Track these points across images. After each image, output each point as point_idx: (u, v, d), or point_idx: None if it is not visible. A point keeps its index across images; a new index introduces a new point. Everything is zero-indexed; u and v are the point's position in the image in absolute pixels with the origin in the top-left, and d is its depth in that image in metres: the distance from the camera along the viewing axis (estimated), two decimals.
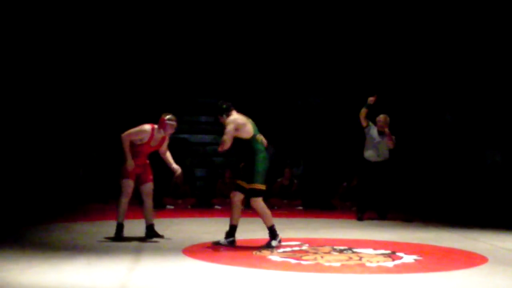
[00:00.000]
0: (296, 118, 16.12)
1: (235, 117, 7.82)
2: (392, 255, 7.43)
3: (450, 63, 15.01)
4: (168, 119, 8.27)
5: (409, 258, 7.26)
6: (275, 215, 10.85)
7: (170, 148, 8.71)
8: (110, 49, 15.58)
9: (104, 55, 15.54)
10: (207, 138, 16.20)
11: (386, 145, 11.18)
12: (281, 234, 9.09)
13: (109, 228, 8.75)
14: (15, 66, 14.09)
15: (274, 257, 7.27)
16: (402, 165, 14.57)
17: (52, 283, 5.85)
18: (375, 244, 8.27)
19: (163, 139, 8.44)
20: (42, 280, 5.97)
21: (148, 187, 8.52)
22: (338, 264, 6.88)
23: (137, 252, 7.57)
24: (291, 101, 16.35)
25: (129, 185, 8.39)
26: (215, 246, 7.94)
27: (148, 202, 8.53)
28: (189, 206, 13.77)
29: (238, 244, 8.06)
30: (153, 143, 8.41)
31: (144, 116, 9.22)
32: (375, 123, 11.26)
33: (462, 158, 14.50)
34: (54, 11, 14.41)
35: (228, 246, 7.83)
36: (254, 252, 7.57)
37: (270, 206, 13.54)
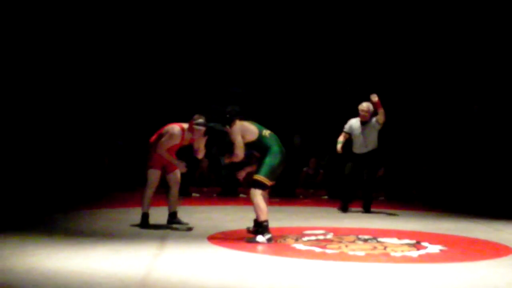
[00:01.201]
0: (324, 107, 16.09)
1: (237, 126, 7.69)
2: (416, 245, 7.42)
3: (477, 54, 14.88)
4: (196, 124, 8.22)
5: (434, 248, 7.24)
6: (300, 204, 10.92)
7: None
8: (141, 38, 15.64)
9: (133, 44, 15.60)
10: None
11: (372, 132, 10.69)
12: (306, 223, 9.15)
13: (135, 215, 8.81)
14: (47, 56, 14.21)
15: (299, 245, 7.29)
16: (429, 155, 14.52)
17: (78, 268, 5.93)
18: (399, 234, 8.25)
19: (192, 140, 8.41)
20: (68, 265, 6.05)
21: (175, 176, 8.55)
22: (362, 253, 6.89)
23: (163, 239, 7.63)
24: (320, 90, 16.32)
25: (155, 175, 8.44)
26: (235, 233, 7.94)
27: (175, 190, 8.56)
28: (214, 195, 13.83)
29: None
30: (183, 143, 8.43)
31: (173, 105, 9.21)
32: (357, 113, 10.81)
33: (489, 149, 14.38)
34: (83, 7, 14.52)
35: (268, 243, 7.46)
36: (278, 240, 7.59)
37: (296, 196, 13.68)
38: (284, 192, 13.44)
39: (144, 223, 8.45)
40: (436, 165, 14.44)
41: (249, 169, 8.05)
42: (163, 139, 8.30)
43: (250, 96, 16.23)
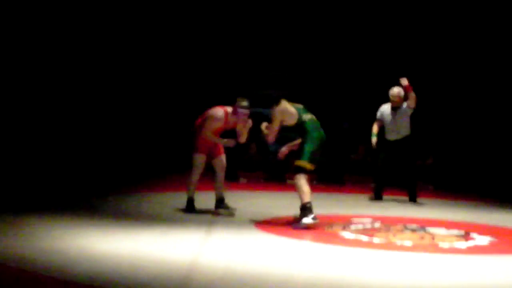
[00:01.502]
0: (371, 95, 15.98)
1: (281, 107, 7.78)
2: (465, 236, 7.34)
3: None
4: (241, 107, 8.27)
5: (483, 240, 7.16)
6: (348, 191, 10.88)
7: None
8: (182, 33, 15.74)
9: (177, 37, 15.69)
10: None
11: (404, 118, 10.48)
12: (353, 211, 9.13)
13: (184, 199, 8.88)
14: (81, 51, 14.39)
15: (346, 233, 7.28)
16: (480, 145, 14.32)
17: (127, 251, 6.02)
18: (448, 224, 8.18)
19: (235, 123, 8.44)
20: (117, 248, 6.15)
21: (221, 160, 8.59)
22: (410, 243, 6.85)
23: (210, 224, 7.69)
24: (368, 78, 16.21)
25: (200, 159, 8.48)
26: (283, 219, 8.01)
27: (221, 175, 8.58)
28: (262, 180, 13.86)
29: None
30: (227, 126, 8.47)
31: (219, 90, 9.22)
32: (388, 99, 10.60)
33: None
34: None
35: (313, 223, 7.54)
36: (325, 228, 7.59)
37: (343, 182, 13.63)
38: (331, 179, 13.40)
39: (190, 208, 8.51)
40: (487, 154, 14.23)
41: (289, 147, 8.08)
42: (207, 122, 8.36)
43: (295, 81, 16.20)
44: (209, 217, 8.23)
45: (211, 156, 8.57)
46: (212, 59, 15.82)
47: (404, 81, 10.36)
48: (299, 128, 7.77)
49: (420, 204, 10.52)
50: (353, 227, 7.71)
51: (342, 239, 6.97)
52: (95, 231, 6.94)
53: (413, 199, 10.64)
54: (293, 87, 15.45)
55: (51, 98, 13.65)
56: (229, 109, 8.37)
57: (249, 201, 9.97)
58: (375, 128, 10.74)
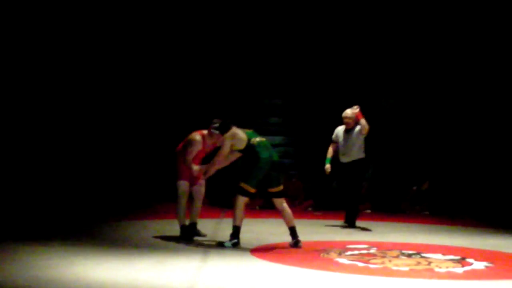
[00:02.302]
0: (367, 119, 16.02)
1: (229, 133, 8.07)
2: (462, 261, 7.33)
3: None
4: (214, 128, 8.40)
5: (479, 265, 7.15)
6: (342, 217, 10.86)
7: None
8: (181, 45, 15.74)
9: (173, 51, 15.70)
10: (276, 139, 16.25)
11: (355, 141, 10.33)
12: (348, 237, 9.12)
13: (175, 227, 8.88)
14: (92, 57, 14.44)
15: (342, 259, 7.27)
16: (475, 170, 14.34)
17: (124, 279, 6.00)
18: (444, 250, 8.17)
19: (214, 144, 8.53)
20: (114, 276, 6.13)
21: (199, 188, 8.67)
22: (406, 268, 6.84)
23: (206, 251, 7.68)
24: (363, 103, 16.26)
25: (184, 186, 8.56)
26: (278, 246, 8.12)
27: (198, 202, 8.69)
28: (257, 207, 13.84)
29: (305, 245, 8.08)
30: (206, 148, 8.61)
31: (211, 117, 9.27)
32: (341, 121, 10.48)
33: None
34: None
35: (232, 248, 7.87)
36: (321, 254, 7.58)
37: (339, 209, 13.60)
38: (327, 206, 13.40)
39: (185, 235, 8.52)
40: (483, 179, 14.26)
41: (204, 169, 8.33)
42: (187, 148, 8.48)
43: (290, 108, 16.27)
44: (204, 244, 8.22)
45: (190, 183, 8.62)
46: (190, 85, 15.84)
47: (355, 110, 10.30)
48: (249, 151, 8.01)
49: (417, 229, 10.51)
50: (349, 253, 7.69)
51: (339, 265, 6.96)
52: (91, 259, 6.92)
53: (350, 223, 10.38)
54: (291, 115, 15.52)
55: (47, 122, 13.72)
56: (205, 131, 8.53)
57: (244, 228, 9.92)
58: (329, 152, 10.56)
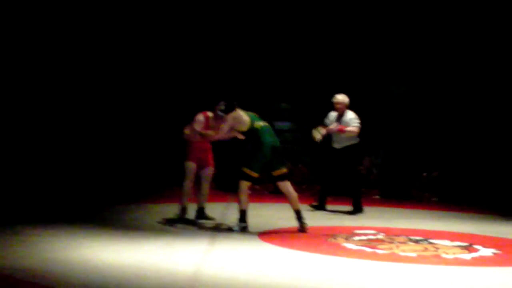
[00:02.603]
0: (378, 107, 15.98)
1: (232, 114, 8.13)
2: (469, 248, 7.32)
3: None
4: (220, 110, 8.38)
5: (486, 251, 7.14)
6: (351, 203, 10.85)
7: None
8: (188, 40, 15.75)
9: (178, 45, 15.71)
10: (286, 125, 16.24)
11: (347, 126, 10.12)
12: (357, 223, 9.12)
13: (190, 210, 8.87)
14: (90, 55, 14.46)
15: (349, 245, 7.27)
16: (482, 157, 14.29)
17: (130, 261, 6.03)
18: (452, 236, 8.16)
19: (218, 128, 8.52)
20: (121, 258, 6.17)
21: (207, 171, 8.75)
22: (413, 254, 6.84)
23: (213, 235, 7.70)
24: (374, 90, 16.21)
25: (190, 166, 8.63)
26: (286, 230, 8.16)
27: (205, 185, 8.75)
28: (266, 192, 13.85)
29: (313, 230, 8.09)
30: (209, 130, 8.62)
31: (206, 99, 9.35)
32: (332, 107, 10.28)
33: None
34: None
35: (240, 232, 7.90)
36: (329, 239, 7.59)
37: (346, 194, 13.60)
38: (335, 191, 13.37)
39: (182, 216, 8.60)
40: (491, 166, 14.21)
41: None
42: (192, 126, 8.57)
43: (299, 94, 16.23)
44: (212, 227, 8.25)
45: (199, 166, 8.69)
46: (195, 69, 15.81)
47: (333, 128, 10.14)
48: (252, 134, 8.08)
49: (424, 215, 10.51)
50: (356, 238, 7.70)
51: (346, 250, 6.97)
52: (99, 241, 6.95)
53: (357, 209, 10.29)
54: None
55: (53, 108, 13.75)
56: (210, 113, 8.55)
57: (253, 212, 9.94)
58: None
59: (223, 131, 8.22)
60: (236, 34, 15.96)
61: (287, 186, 8.16)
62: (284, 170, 8.18)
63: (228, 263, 6.19)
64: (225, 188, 12.80)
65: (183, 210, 8.61)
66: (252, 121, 8.11)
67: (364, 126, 12.29)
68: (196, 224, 8.48)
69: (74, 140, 13.95)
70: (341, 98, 10.29)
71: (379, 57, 16.10)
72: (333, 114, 10.38)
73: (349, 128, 10.12)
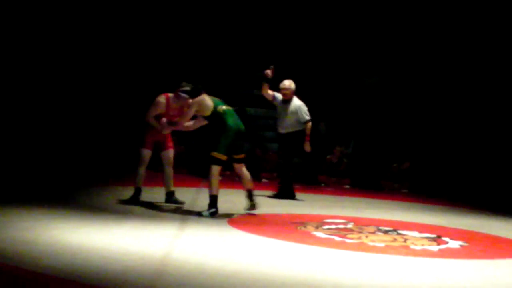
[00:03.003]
0: (349, 97, 16.03)
1: (197, 99, 8.17)
2: (437, 239, 7.39)
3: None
4: (183, 91, 8.40)
5: (454, 244, 7.21)
6: (322, 192, 10.92)
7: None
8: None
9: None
10: (260, 111, 16.21)
11: (291, 115, 10.11)
12: (326, 212, 9.15)
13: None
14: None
15: (319, 233, 7.29)
16: (454, 150, 14.42)
17: (100, 244, 5.99)
18: (420, 227, 8.23)
19: (181, 108, 8.50)
20: (90, 240, 6.12)
21: (168, 154, 8.76)
22: (382, 244, 6.88)
23: (183, 219, 7.68)
24: (346, 80, 16.25)
25: (145, 153, 8.65)
26: (256, 217, 8.20)
27: (168, 169, 8.76)
28: (237, 178, 13.83)
29: (283, 217, 8.11)
30: (171, 112, 8.56)
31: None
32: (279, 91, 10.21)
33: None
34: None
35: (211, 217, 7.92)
36: (298, 227, 7.61)
37: (318, 183, 13.66)
38: (306, 179, 13.42)
39: (136, 197, 8.65)
40: (461, 159, 14.34)
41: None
42: (150, 108, 8.55)
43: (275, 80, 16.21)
44: (182, 212, 8.23)
45: (159, 149, 8.70)
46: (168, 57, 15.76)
47: (306, 147, 10.21)
48: (215, 118, 8.13)
49: (394, 206, 10.58)
50: (326, 227, 7.73)
51: (315, 239, 6.99)
52: (68, 223, 6.90)
53: (282, 194, 10.24)
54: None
55: (32, 99, 13.71)
56: (171, 94, 8.52)
57: (223, 198, 9.94)
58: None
59: (188, 116, 8.24)
60: (209, 19, 15.92)
61: (242, 168, 8.33)
62: (243, 155, 8.32)
63: (197, 248, 6.17)
64: (198, 173, 12.78)
65: (137, 190, 8.67)
66: (216, 105, 8.15)
67: (336, 116, 12.36)
68: (160, 208, 8.48)
69: (43, 123, 13.86)
70: (288, 83, 10.25)
71: (351, 47, 16.15)
72: (279, 99, 10.31)
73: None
